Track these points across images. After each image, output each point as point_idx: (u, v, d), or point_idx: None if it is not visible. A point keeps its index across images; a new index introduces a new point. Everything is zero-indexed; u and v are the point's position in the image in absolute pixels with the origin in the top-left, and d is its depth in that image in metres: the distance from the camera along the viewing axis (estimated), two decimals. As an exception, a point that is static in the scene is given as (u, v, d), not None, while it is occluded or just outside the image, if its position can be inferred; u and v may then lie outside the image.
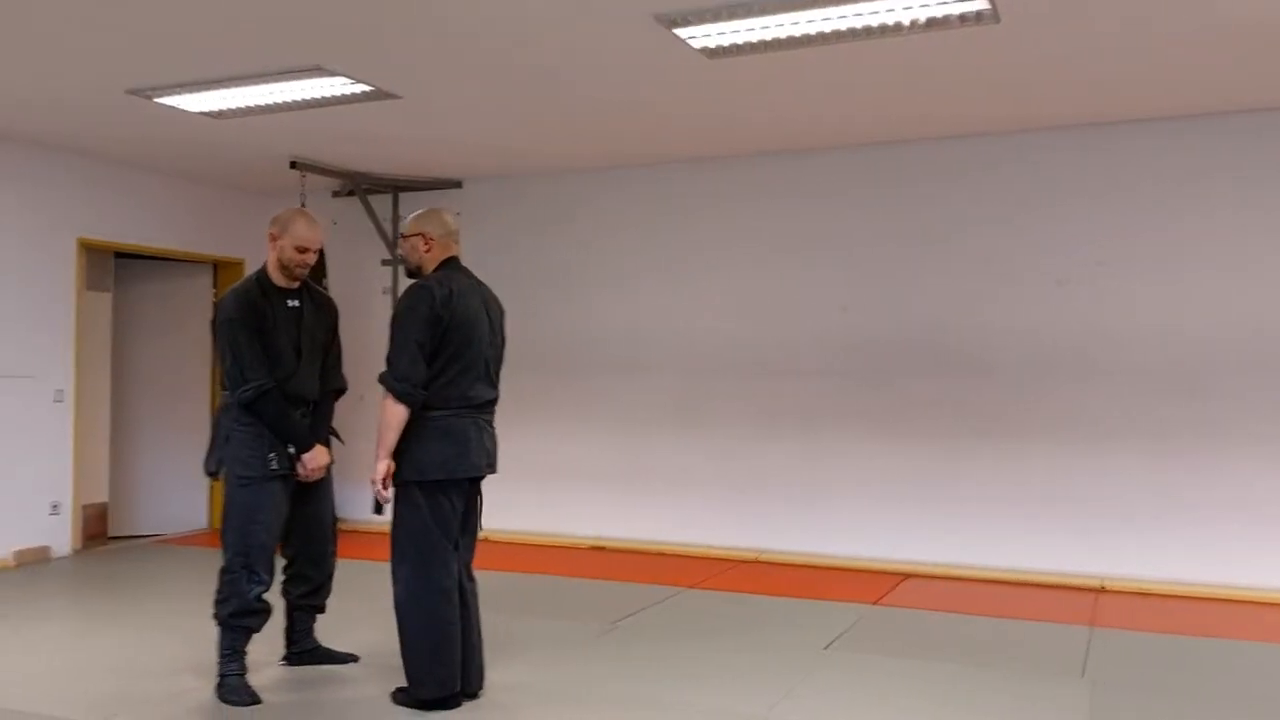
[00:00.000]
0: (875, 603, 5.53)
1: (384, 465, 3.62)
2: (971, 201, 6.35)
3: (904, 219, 6.52)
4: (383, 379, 3.63)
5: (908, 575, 6.20)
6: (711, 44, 4.59)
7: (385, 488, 3.64)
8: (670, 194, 7.17)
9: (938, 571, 6.22)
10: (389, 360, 3.64)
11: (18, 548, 6.51)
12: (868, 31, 4.44)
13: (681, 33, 4.43)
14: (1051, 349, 6.14)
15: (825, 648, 4.65)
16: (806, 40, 4.55)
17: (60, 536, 6.82)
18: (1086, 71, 5.03)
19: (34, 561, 6.57)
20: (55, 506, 6.78)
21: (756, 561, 6.63)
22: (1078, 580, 5.91)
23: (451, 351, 3.67)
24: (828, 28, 4.40)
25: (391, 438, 3.61)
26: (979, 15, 4.25)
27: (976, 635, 4.92)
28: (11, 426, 6.51)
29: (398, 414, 3.60)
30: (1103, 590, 5.81)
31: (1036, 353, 6.17)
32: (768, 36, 4.50)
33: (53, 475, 6.76)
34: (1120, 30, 4.44)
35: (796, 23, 4.35)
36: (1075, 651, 4.62)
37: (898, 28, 4.39)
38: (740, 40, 4.54)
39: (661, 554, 6.87)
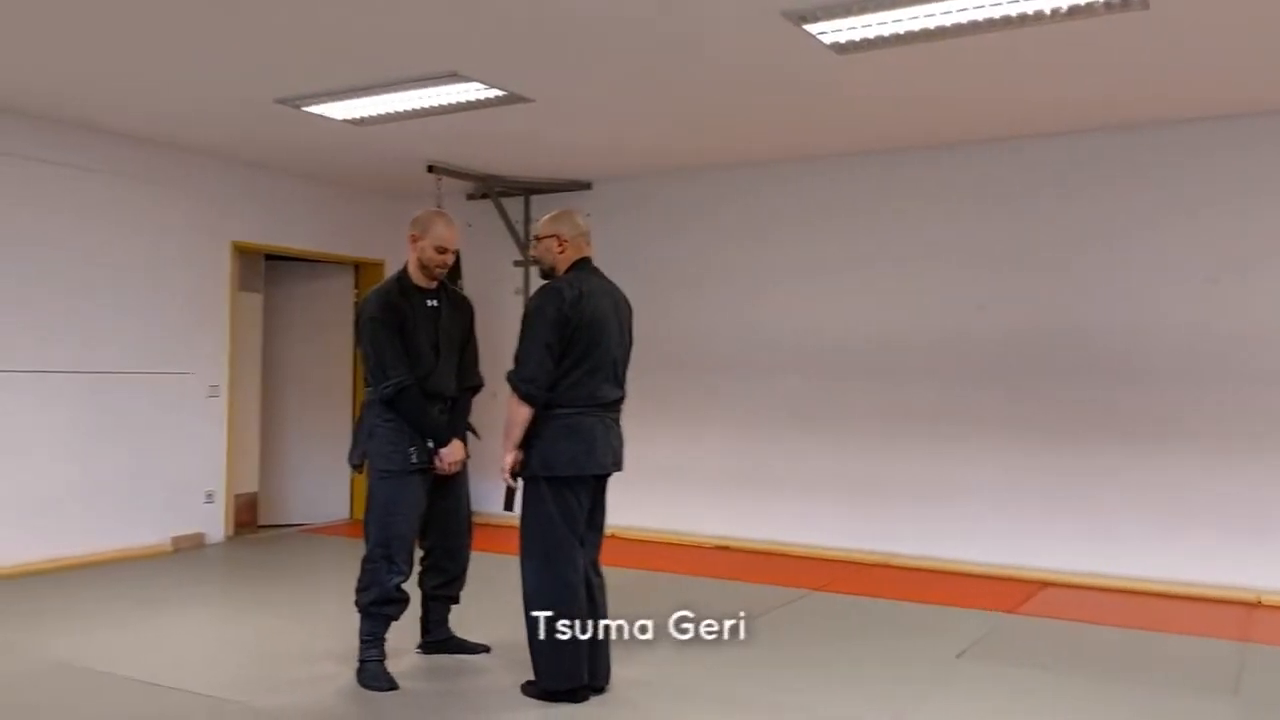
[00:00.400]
0: (1011, 611, 5.36)
1: (511, 457, 3.74)
2: (1118, 196, 6.09)
3: (1042, 215, 6.29)
4: (509, 378, 3.72)
5: (1046, 584, 5.98)
6: (841, 39, 4.53)
7: (514, 478, 3.77)
8: (798, 192, 7.10)
9: (1079, 580, 5.98)
10: (516, 360, 3.73)
11: (175, 534, 6.90)
12: (1006, 21, 4.31)
13: (811, 28, 4.39)
14: (1203, 350, 5.83)
15: (957, 656, 4.53)
16: (940, 33, 4.44)
17: (213, 524, 7.20)
18: (1239, 59, 4.77)
19: (190, 547, 6.95)
20: (209, 495, 7.17)
21: (884, 565, 6.51)
22: (1230, 593, 5.59)
23: (580, 352, 3.73)
24: (964, 19, 4.29)
25: (517, 434, 3.72)
26: (1125, 1, 4.07)
27: (1120, 648, 4.72)
28: (171, 420, 6.90)
29: (522, 412, 3.70)
30: (1258, 604, 5.49)
31: (1187, 354, 5.87)
32: (900, 30, 4.42)
33: (207, 466, 7.15)
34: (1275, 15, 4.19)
35: (931, 15, 4.26)
36: (1227, 668, 4.38)
37: (1038, 17, 4.25)
38: (871, 35, 4.47)
39: (787, 555, 6.81)
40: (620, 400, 3.90)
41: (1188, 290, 5.88)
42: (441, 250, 4.13)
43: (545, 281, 3.94)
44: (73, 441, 6.33)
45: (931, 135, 6.34)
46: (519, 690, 3.88)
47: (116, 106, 5.88)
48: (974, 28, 4.38)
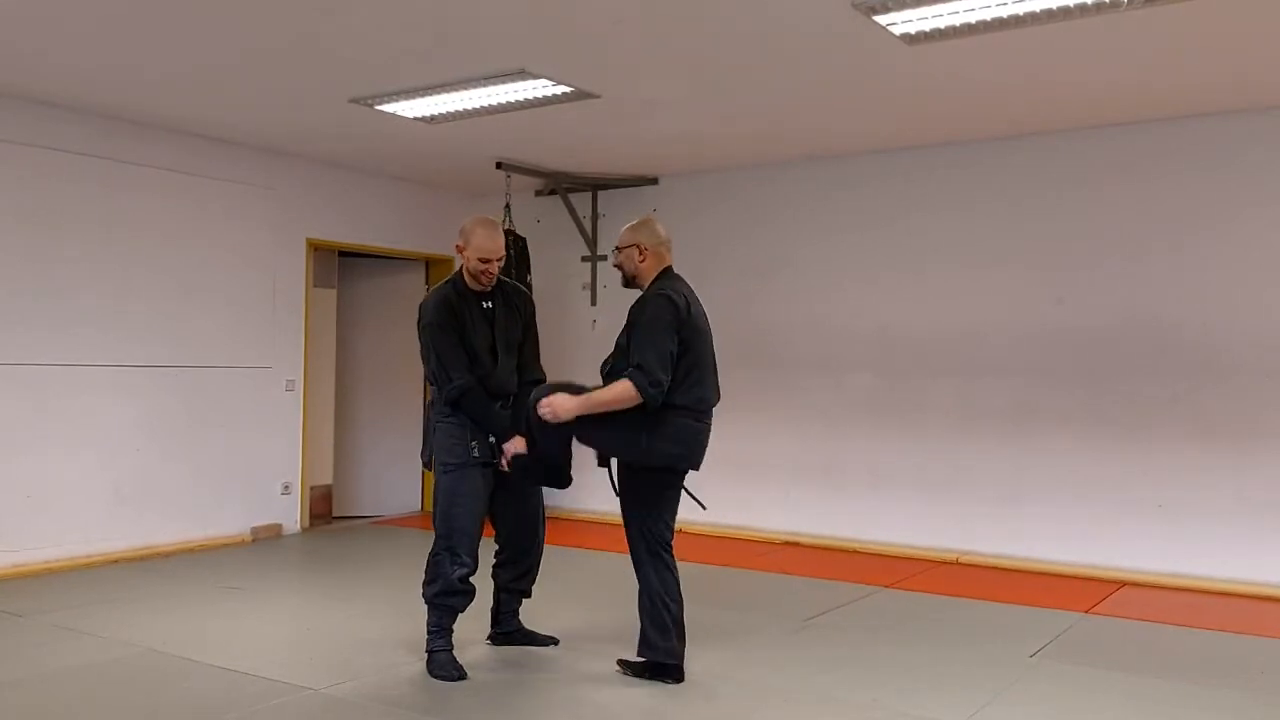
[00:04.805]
0: (1087, 611, 5.24)
1: (569, 416, 3.84)
2: (1200, 186, 5.90)
3: (1121, 206, 6.13)
4: (634, 378, 3.75)
5: (1124, 584, 5.85)
6: (912, 30, 4.47)
7: (542, 421, 3.87)
8: (868, 187, 7.02)
9: (1159, 581, 5.83)
10: (642, 364, 3.76)
11: (254, 524, 7.09)
12: (1081, 10, 4.21)
13: (881, 19, 4.34)
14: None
15: (1031, 656, 4.45)
16: (1014, 22, 4.36)
17: (290, 515, 7.37)
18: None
19: (267, 538, 7.13)
20: (286, 487, 7.34)
21: (956, 563, 6.41)
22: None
23: (691, 359, 3.87)
24: (1037, 7, 4.21)
25: (600, 409, 3.81)
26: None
27: (1203, 651, 4.59)
28: (251, 413, 7.08)
29: (628, 404, 3.76)
30: (1350, 609, 5.30)
31: (1272, 349, 5.67)
32: (971, 20, 4.35)
33: (284, 459, 7.32)
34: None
35: (1004, 3, 4.18)
36: (1315, 674, 4.23)
37: (1114, 5, 4.14)
38: (941, 25, 4.41)
39: (857, 552, 6.76)
40: (716, 404, 4.03)
41: (1273, 283, 5.69)
42: (484, 260, 4.13)
43: (628, 289, 4.08)
44: (157, 434, 6.53)
45: (1004, 126, 6.22)
46: (601, 672, 4.01)
47: (197, 108, 6.04)
48: (1048, 16, 4.29)
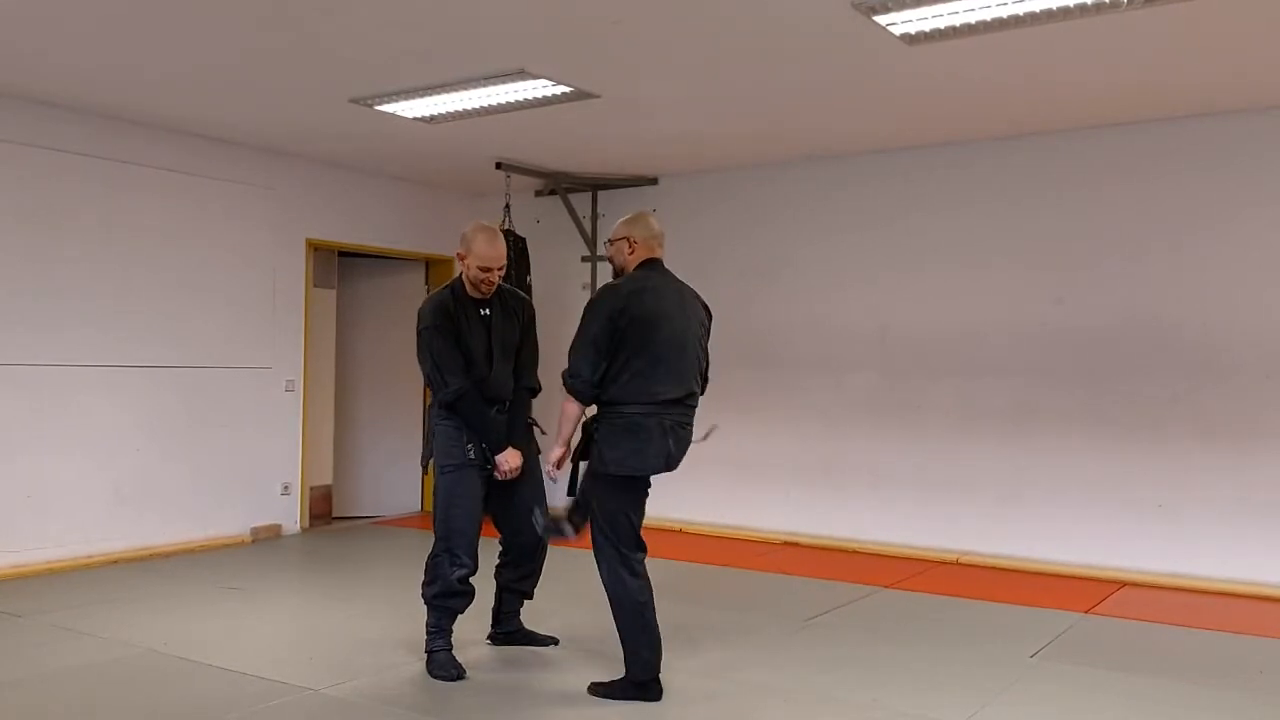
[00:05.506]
0: (1087, 611, 5.24)
1: (557, 452, 3.88)
2: (1200, 186, 5.90)
3: (1121, 206, 6.13)
4: (562, 375, 3.78)
5: (1124, 584, 5.84)
6: (912, 30, 4.47)
7: (557, 469, 3.93)
8: (869, 186, 7.02)
9: (1159, 581, 5.83)
10: (568, 357, 3.78)
11: (254, 525, 7.09)
12: (1081, 10, 4.21)
13: (880, 19, 4.34)
14: (1291, 345, 5.64)
15: (1031, 656, 4.45)
16: (1014, 22, 4.36)
17: (290, 516, 7.37)
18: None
19: (267, 538, 7.13)
20: (286, 488, 7.33)
21: (956, 563, 6.41)
22: (1320, 597, 5.42)
23: (632, 348, 3.70)
24: (1037, 7, 4.21)
25: (566, 430, 3.83)
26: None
27: (1203, 651, 4.59)
28: (250, 414, 7.08)
29: (569, 408, 3.79)
30: (1350, 609, 5.30)
31: (1272, 350, 5.68)
32: (971, 20, 4.35)
33: (284, 459, 7.31)
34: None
35: (1004, 3, 4.18)
36: (1315, 674, 4.23)
37: (1115, 5, 4.14)
38: (941, 25, 4.41)
39: (857, 552, 6.75)
40: (684, 399, 3.80)
41: (1273, 283, 5.69)
42: (485, 269, 4.12)
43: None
44: (157, 434, 6.52)
45: (1004, 126, 6.22)
46: (587, 689, 3.89)
47: (197, 108, 6.04)
48: (1048, 16, 4.29)
